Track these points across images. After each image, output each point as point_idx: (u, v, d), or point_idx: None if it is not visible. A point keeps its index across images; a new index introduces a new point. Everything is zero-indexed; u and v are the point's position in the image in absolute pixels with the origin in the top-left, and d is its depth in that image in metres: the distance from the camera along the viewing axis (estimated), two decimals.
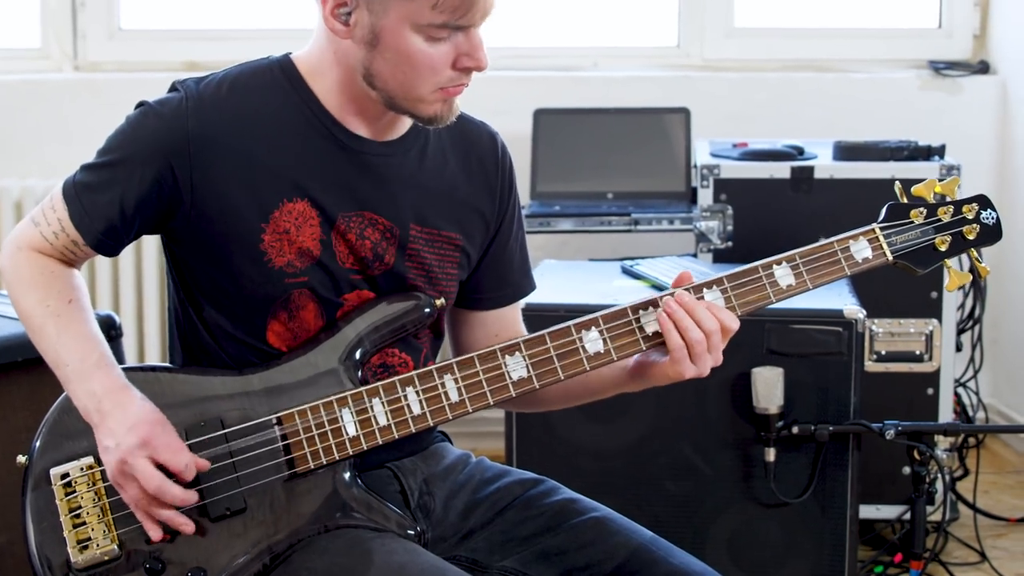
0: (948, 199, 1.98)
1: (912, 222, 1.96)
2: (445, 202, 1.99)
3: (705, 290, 1.90)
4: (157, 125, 1.87)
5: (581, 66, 4.30)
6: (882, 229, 1.95)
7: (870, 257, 1.94)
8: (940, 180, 1.98)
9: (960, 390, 3.73)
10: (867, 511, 3.38)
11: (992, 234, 1.97)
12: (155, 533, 1.82)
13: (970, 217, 1.97)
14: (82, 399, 1.84)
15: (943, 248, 1.96)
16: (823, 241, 1.94)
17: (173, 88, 1.91)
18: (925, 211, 1.96)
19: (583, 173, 3.89)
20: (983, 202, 1.98)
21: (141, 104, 1.91)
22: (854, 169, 3.45)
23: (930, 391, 3.43)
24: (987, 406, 4.03)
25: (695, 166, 3.57)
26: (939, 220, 1.96)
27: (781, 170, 3.45)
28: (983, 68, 4.29)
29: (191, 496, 1.82)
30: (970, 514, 3.54)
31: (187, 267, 1.94)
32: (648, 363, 1.94)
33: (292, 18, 4.34)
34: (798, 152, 3.55)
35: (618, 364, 1.94)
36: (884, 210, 1.97)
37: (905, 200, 1.97)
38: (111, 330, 2.60)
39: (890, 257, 1.94)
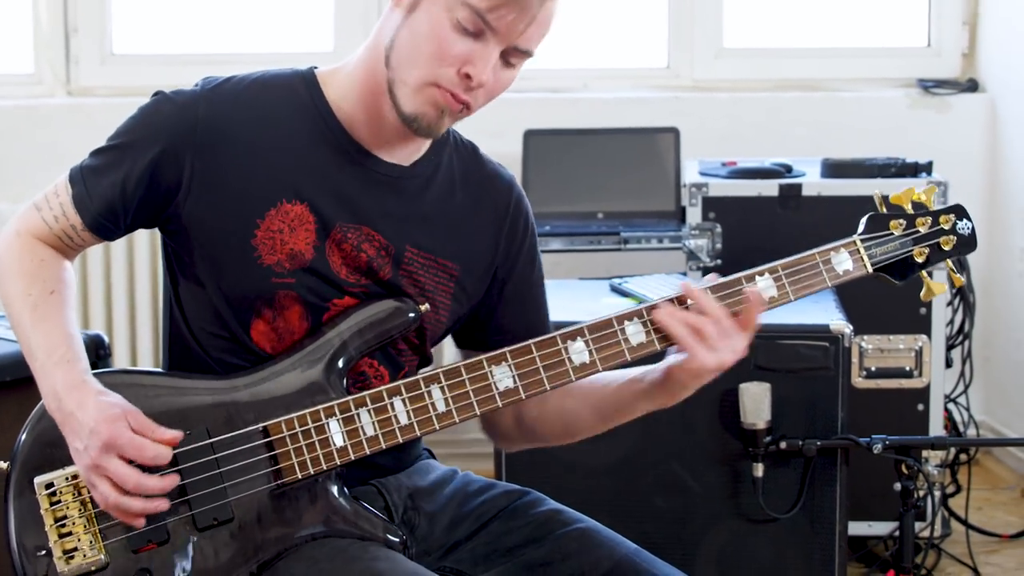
0: (926, 208, 1.99)
1: (891, 234, 1.97)
2: (446, 231, 1.99)
3: (689, 303, 1.90)
4: (169, 110, 1.89)
5: (572, 87, 4.32)
6: (862, 241, 1.96)
7: (851, 269, 1.95)
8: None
9: (951, 406, 3.74)
10: (859, 528, 3.39)
11: (968, 244, 1.99)
12: (138, 521, 1.82)
13: (947, 228, 1.98)
14: (47, 397, 1.85)
15: (921, 260, 1.97)
16: (804, 253, 1.94)
17: (196, 84, 1.94)
18: (904, 222, 1.97)
19: (573, 193, 3.90)
20: (959, 212, 2.00)
21: (157, 93, 1.93)
22: (842, 186, 3.47)
23: (920, 407, 3.44)
24: (979, 424, 4.03)
25: (684, 185, 3.59)
26: (917, 231, 1.98)
27: (769, 188, 3.48)
28: (972, 86, 4.32)
29: (171, 480, 1.81)
30: (963, 530, 3.54)
31: (179, 260, 1.95)
32: (672, 368, 1.91)
33: (283, 43, 4.37)
34: (786, 170, 3.57)
35: (645, 382, 1.94)
36: (864, 221, 1.97)
37: (884, 210, 1.98)
38: (99, 350, 2.61)
39: (870, 269, 1.95)
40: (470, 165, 2.02)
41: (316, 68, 1.97)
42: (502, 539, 2.00)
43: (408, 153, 1.96)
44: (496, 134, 3.86)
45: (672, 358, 1.91)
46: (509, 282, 2.06)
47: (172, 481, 1.81)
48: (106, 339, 2.64)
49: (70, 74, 4.29)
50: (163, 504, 1.81)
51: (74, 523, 1.84)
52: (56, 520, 1.84)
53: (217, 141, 1.88)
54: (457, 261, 2.00)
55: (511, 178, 2.07)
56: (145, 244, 4.02)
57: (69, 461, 1.85)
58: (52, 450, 1.87)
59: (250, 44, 4.38)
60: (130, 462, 1.79)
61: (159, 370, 2.00)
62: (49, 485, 1.85)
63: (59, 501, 1.85)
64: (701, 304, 1.87)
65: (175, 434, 1.82)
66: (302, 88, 1.94)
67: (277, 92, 1.93)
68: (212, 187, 1.89)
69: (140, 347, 4.10)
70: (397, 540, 1.90)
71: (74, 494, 1.85)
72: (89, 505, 1.85)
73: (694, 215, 3.49)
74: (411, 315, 1.95)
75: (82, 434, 1.79)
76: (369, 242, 1.93)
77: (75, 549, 1.84)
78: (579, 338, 1.90)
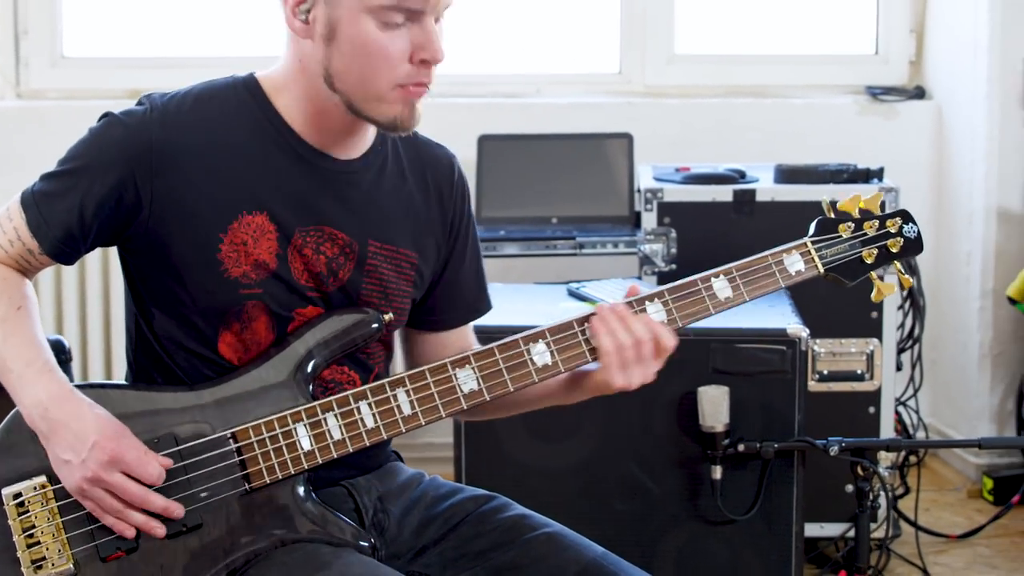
0: (872, 213, 2.04)
1: (840, 236, 2.02)
2: (403, 220, 2.01)
3: (647, 303, 1.95)
4: (121, 134, 1.88)
5: (525, 93, 4.33)
6: (813, 243, 2.01)
7: (803, 270, 2.00)
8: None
9: (901, 409, 3.79)
10: (811, 529, 3.42)
11: (914, 247, 2.05)
12: (130, 532, 1.83)
13: (893, 231, 2.04)
14: (28, 406, 1.84)
15: (870, 261, 2.03)
16: (758, 255, 1.99)
17: (139, 103, 1.93)
18: (852, 225, 2.02)
19: (528, 198, 3.92)
20: (905, 216, 2.05)
21: (105, 115, 1.92)
22: (795, 192, 3.50)
23: (871, 410, 3.49)
24: (927, 425, 4.08)
25: (638, 190, 3.62)
26: (865, 234, 2.03)
27: (723, 193, 3.51)
28: (919, 93, 4.37)
29: (174, 506, 1.83)
30: (912, 531, 3.59)
31: (142, 277, 1.95)
32: (581, 373, 1.97)
33: (235, 46, 4.35)
34: (740, 175, 3.60)
35: (553, 381, 1.97)
36: (814, 225, 2.02)
37: (832, 215, 2.03)
38: (60, 354, 2.57)
39: (821, 270, 2.00)
40: (412, 148, 2.03)
41: (255, 73, 1.96)
42: (470, 543, 2.01)
43: (357, 147, 1.97)
44: (450, 139, 3.86)
45: (585, 367, 1.96)
46: (451, 262, 2.09)
47: (175, 507, 1.83)
48: (66, 343, 2.62)
49: (20, 77, 4.25)
50: (160, 528, 1.83)
51: (42, 533, 1.84)
52: (24, 530, 1.84)
53: (173, 163, 1.88)
54: (415, 249, 2.03)
55: (451, 156, 2.09)
56: (96, 251, 3.99)
57: (35, 472, 1.85)
58: (17, 461, 1.86)
59: (201, 48, 4.36)
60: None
61: (124, 383, 2.00)
62: (17, 495, 1.84)
63: (27, 511, 1.84)
64: (629, 326, 1.91)
65: (167, 460, 1.85)
66: (247, 96, 1.93)
67: (224, 104, 1.93)
68: (172, 208, 1.88)
69: (91, 355, 4.07)
70: (366, 545, 1.91)
71: (42, 503, 1.84)
72: (57, 515, 1.85)
73: (649, 220, 3.51)
74: (374, 326, 1.97)
75: (79, 447, 1.80)
76: (331, 242, 1.94)
77: (43, 559, 1.83)
78: (541, 341, 1.93)
